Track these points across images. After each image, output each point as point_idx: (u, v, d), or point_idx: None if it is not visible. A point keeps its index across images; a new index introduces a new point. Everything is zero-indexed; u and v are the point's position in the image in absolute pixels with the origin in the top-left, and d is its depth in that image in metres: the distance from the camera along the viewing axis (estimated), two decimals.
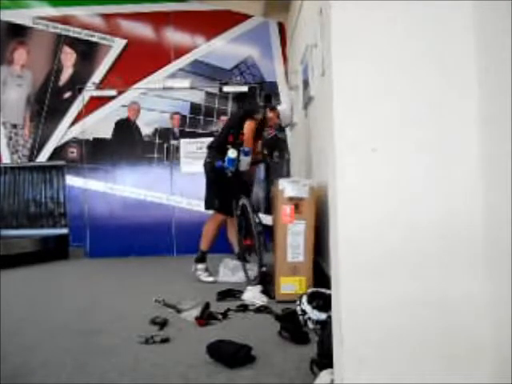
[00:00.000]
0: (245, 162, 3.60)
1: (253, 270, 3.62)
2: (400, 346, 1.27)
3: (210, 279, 3.80)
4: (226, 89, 5.85)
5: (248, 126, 3.78)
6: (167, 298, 3.20)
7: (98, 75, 5.95)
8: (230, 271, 3.88)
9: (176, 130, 5.91)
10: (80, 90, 5.92)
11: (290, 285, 2.98)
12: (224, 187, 3.83)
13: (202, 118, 5.90)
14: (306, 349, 2.08)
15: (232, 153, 3.52)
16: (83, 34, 5.99)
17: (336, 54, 1.28)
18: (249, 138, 3.77)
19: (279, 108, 3.98)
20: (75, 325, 2.68)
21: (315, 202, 3.02)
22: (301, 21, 4.53)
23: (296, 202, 2.99)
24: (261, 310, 2.78)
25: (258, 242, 3.43)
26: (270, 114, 3.94)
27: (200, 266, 3.89)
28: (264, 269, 3.33)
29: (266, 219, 4.46)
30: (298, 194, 3.00)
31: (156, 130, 5.92)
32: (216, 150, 3.87)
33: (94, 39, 5.98)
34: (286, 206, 3.00)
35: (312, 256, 3.00)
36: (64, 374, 1.93)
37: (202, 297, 3.14)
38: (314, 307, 2.36)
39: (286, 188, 3.01)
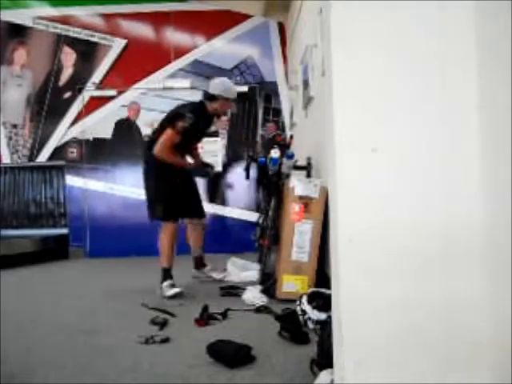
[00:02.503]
0: (286, 164, 3.55)
1: (256, 269, 3.64)
2: (400, 346, 1.27)
3: (176, 291, 3.28)
4: None
5: (166, 134, 3.34)
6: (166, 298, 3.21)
7: (98, 75, 5.95)
8: (238, 270, 3.89)
9: None
10: (80, 90, 5.92)
11: (293, 284, 2.97)
12: (167, 188, 3.43)
13: None
14: (306, 349, 2.08)
15: (275, 152, 3.51)
16: (83, 34, 5.99)
17: (336, 54, 1.28)
18: (165, 147, 3.32)
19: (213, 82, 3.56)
20: (75, 325, 2.68)
21: (325, 202, 3.00)
22: (301, 21, 4.53)
23: (305, 201, 2.97)
24: (261, 309, 2.77)
25: (269, 243, 3.45)
26: (213, 105, 3.49)
27: (165, 283, 3.35)
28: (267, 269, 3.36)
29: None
30: (308, 194, 2.98)
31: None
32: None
33: (94, 39, 5.98)
34: (295, 204, 2.97)
35: (317, 256, 2.99)
36: (64, 374, 1.93)
37: (202, 297, 3.15)
38: (314, 307, 2.36)
39: (297, 186, 2.99)
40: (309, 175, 3.66)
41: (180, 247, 3.56)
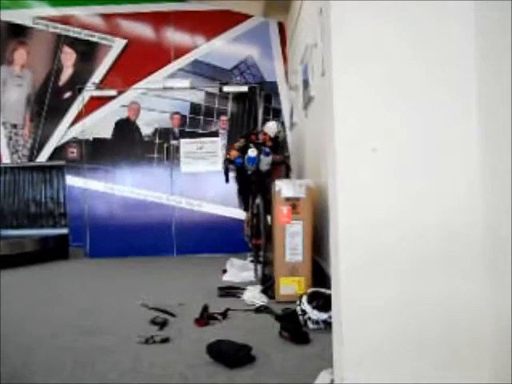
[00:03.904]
0: (264, 161, 3.60)
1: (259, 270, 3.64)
2: (400, 346, 1.27)
3: None
4: (225, 89, 5.85)
5: None
6: (166, 298, 3.21)
7: (98, 75, 5.96)
8: (236, 271, 3.89)
9: (176, 130, 5.91)
10: (80, 90, 5.92)
11: (290, 286, 2.97)
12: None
13: (201, 117, 5.91)
14: (306, 349, 2.08)
15: (252, 152, 3.53)
16: (83, 34, 5.99)
17: (336, 54, 1.28)
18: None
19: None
20: (75, 325, 2.68)
21: (312, 201, 3.02)
22: (301, 21, 4.53)
23: (293, 203, 2.99)
24: (261, 309, 2.77)
25: (263, 243, 3.44)
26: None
27: None
28: (266, 270, 3.36)
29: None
30: (294, 195, 3.00)
31: (156, 129, 5.93)
32: None
33: (94, 39, 5.99)
34: (282, 207, 2.99)
35: (311, 256, 3.00)
36: (64, 374, 1.93)
37: (202, 297, 3.15)
38: (313, 307, 2.36)
39: (283, 189, 3.01)
40: (287, 169, 3.77)
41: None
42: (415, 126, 1.28)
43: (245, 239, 4.40)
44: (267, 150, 3.61)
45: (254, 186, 3.77)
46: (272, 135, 4.05)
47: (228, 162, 3.86)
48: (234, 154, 3.88)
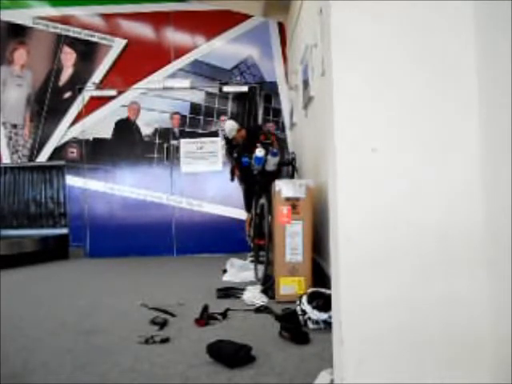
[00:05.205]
0: (271, 161, 3.61)
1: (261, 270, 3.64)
2: (400, 346, 1.27)
3: None
4: (225, 89, 5.86)
5: None
6: (166, 298, 3.21)
7: (98, 75, 5.96)
8: (236, 271, 3.89)
9: (176, 129, 5.91)
10: (80, 90, 5.93)
11: (290, 286, 2.97)
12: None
13: (201, 117, 5.91)
14: (306, 349, 2.08)
15: (259, 152, 3.54)
16: (83, 34, 6.00)
17: (336, 54, 1.28)
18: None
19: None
20: (75, 325, 2.68)
21: (312, 201, 3.02)
22: (301, 21, 4.53)
23: (293, 203, 2.99)
24: (261, 309, 2.77)
25: (266, 243, 3.45)
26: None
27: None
28: (268, 270, 3.36)
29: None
30: (294, 195, 3.00)
31: (156, 129, 5.93)
32: None
33: (94, 39, 5.99)
34: (282, 207, 3.00)
35: (311, 256, 3.00)
36: (64, 374, 1.93)
37: (202, 297, 3.15)
38: (313, 307, 2.36)
39: (283, 189, 3.02)
40: (294, 169, 3.71)
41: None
42: (415, 125, 1.28)
43: (246, 239, 4.40)
44: (275, 150, 3.61)
45: (258, 186, 3.77)
46: (230, 136, 4.16)
47: (235, 161, 3.86)
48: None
